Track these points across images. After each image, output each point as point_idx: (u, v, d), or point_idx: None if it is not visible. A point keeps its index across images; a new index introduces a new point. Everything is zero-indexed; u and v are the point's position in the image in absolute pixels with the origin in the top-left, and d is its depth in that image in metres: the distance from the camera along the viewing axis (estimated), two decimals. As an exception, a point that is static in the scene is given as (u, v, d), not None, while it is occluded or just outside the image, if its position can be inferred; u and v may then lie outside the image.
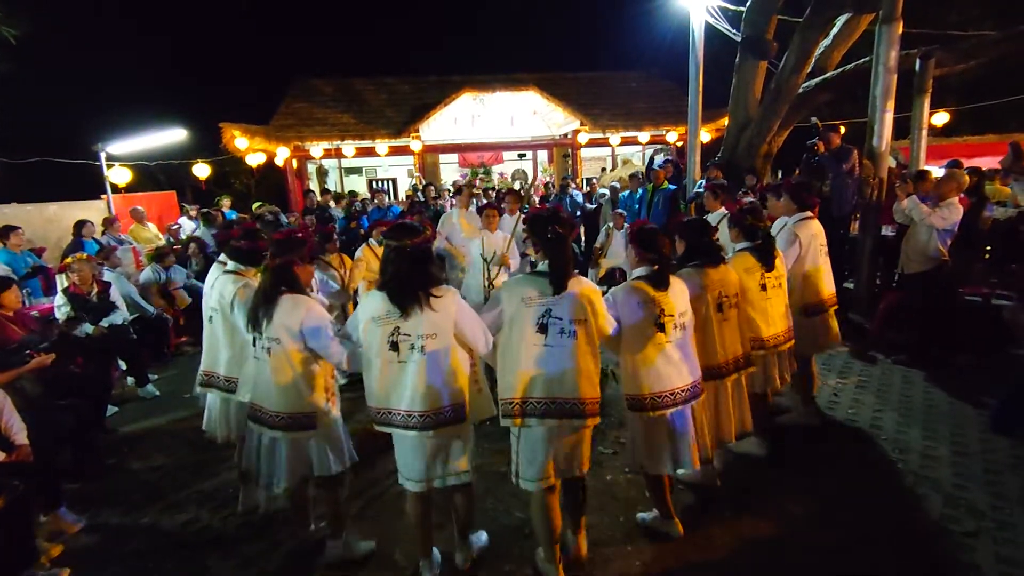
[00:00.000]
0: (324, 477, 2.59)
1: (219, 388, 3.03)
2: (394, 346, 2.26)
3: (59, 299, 4.93)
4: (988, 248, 5.91)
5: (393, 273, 2.27)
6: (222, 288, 2.92)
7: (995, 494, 3.04)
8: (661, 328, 2.50)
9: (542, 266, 2.40)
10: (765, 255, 3.20)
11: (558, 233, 2.34)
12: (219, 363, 3.02)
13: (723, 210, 4.88)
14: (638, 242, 2.63)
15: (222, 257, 3.30)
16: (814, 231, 3.71)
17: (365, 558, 2.76)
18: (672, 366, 2.53)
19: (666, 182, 7.67)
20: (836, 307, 3.83)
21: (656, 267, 2.56)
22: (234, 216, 9.95)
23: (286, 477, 2.54)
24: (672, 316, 2.53)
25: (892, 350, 5.13)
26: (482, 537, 2.80)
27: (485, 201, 7.89)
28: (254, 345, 2.51)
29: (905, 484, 3.17)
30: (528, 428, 2.36)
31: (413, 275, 2.25)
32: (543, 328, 2.30)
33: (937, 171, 5.67)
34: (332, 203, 10.69)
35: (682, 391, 2.55)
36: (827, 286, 3.75)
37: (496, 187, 13.38)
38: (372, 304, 2.31)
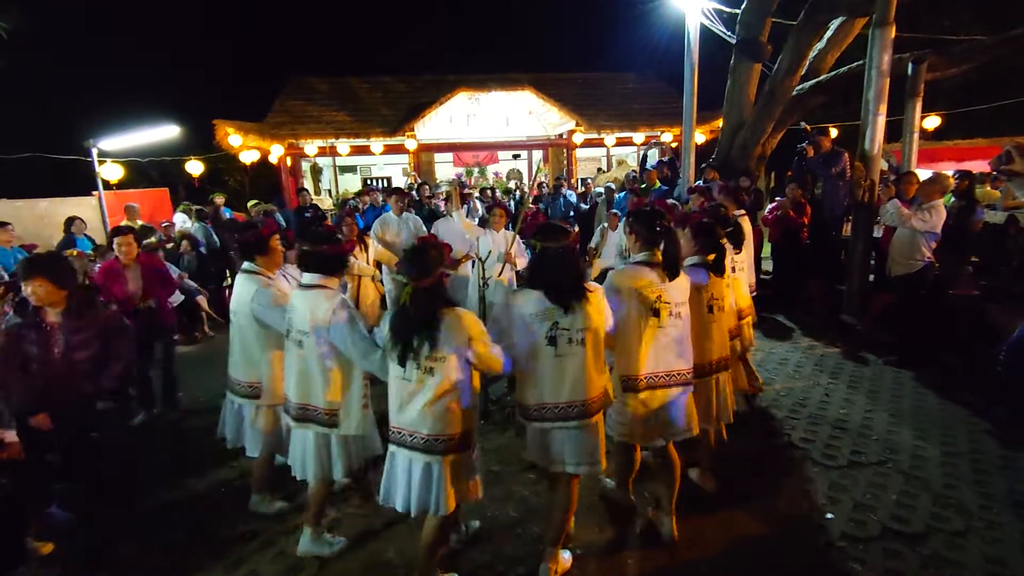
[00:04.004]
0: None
1: (319, 423, 2.61)
2: (552, 341, 2.35)
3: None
4: (977, 251, 5.96)
5: (553, 272, 2.38)
6: (312, 307, 2.51)
7: (984, 494, 3.08)
8: (710, 310, 2.88)
9: (644, 256, 2.60)
10: (736, 238, 3.68)
11: (667, 226, 2.58)
12: (317, 395, 2.59)
13: None
14: (697, 233, 2.93)
15: (248, 266, 2.95)
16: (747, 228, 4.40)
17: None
18: (711, 341, 2.90)
19: (658, 182, 7.71)
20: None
21: (711, 256, 2.87)
22: (230, 214, 9.89)
23: (446, 504, 2.26)
24: (718, 299, 2.91)
25: (883, 351, 5.17)
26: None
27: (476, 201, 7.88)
28: (402, 366, 2.25)
29: (895, 484, 3.20)
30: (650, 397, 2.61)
31: (572, 273, 2.38)
32: (656, 312, 2.53)
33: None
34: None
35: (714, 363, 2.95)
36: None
37: (492, 186, 13.38)
38: (529, 302, 2.39)
